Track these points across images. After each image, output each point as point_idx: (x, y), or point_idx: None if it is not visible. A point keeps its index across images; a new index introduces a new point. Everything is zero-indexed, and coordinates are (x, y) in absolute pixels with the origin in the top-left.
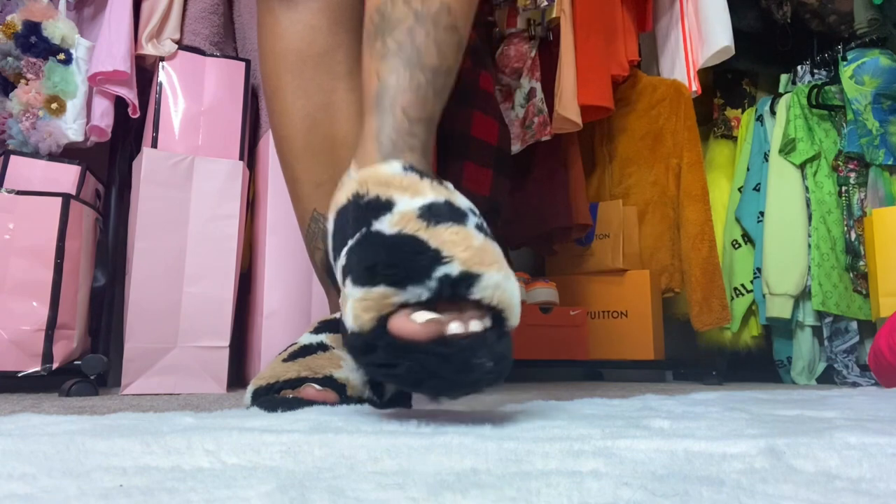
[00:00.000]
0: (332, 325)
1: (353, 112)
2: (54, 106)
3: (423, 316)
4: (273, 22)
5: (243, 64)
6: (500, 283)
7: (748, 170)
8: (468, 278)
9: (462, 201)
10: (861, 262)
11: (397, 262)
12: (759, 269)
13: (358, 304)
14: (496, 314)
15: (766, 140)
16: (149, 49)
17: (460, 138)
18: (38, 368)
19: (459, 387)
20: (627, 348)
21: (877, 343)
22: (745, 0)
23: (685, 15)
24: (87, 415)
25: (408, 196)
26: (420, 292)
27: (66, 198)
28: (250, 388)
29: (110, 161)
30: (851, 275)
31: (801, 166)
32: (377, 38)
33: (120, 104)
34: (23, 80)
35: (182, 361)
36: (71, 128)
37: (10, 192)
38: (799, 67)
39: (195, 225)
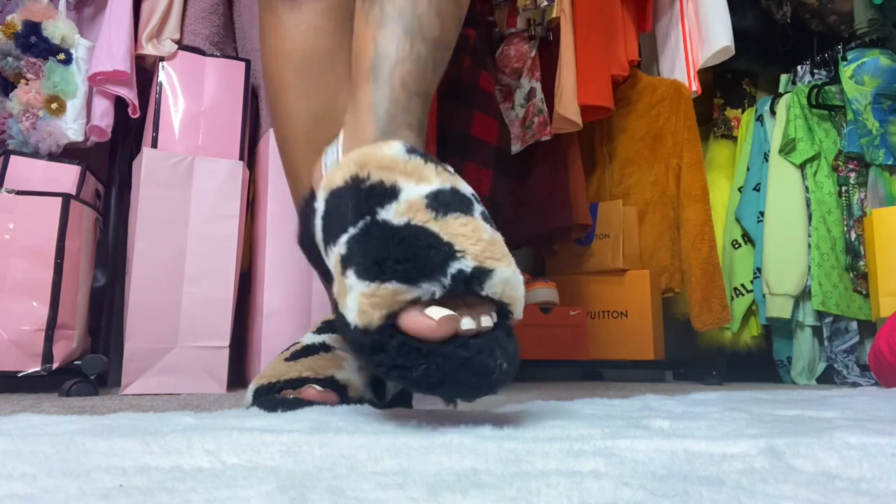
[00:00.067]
0: (335, 326)
1: None
2: (54, 106)
3: (437, 312)
4: (276, 22)
5: (243, 64)
6: (510, 279)
7: (748, 170)
8: (481, 274)
9: (465, 187)
10: (861, 262)
11: (409, 256)
12: (759, 269)
13: (365, 300)
14: (501, 307)
15: (766, 140)
16: (149, 49)
17: (460, 138)
18: (38, 368)
19: (478, 389)
20: (627, 348)
21: (877, 343)
22: (745, 0)
23: (685, 15)
24: (87, 415)
25: (413, 182)
26: (434, 289)
27: (66, 198)
28: (252, 387)
29: (110, 161)
30: (851, 275)
31: (801, 166)
32: (375, 2)
33: (120, 104)
34: (23, 80)
35: (182, 361)
36: (71, 128)
37: (10, 192)
38: (799, 67)
39: (195, 225)
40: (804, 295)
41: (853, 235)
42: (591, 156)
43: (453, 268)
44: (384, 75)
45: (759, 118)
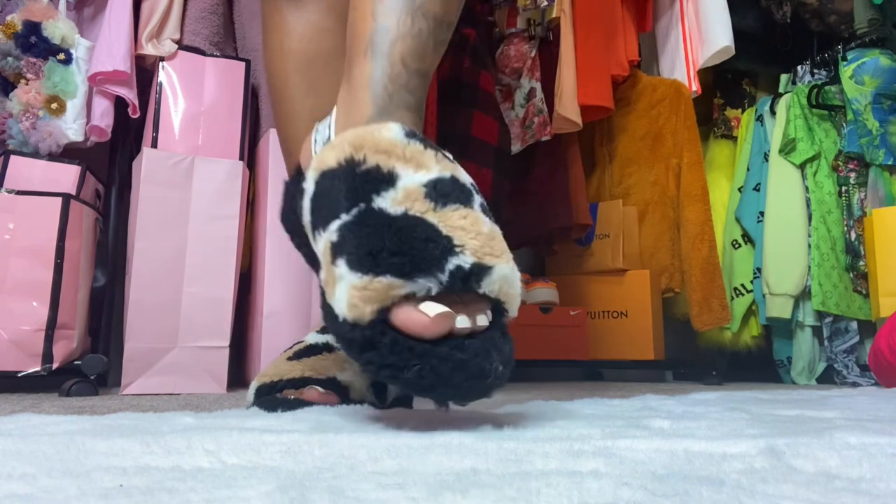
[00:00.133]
0: None
1: None
2: (54, 106)
3: (433, 308)
4: (280, 21)
5: (243, 64)
6: (508, 276)
7: (748, 170)
8: (480, 271)
9: (465, 176)
10: (861, 262)
11: (406, 249)
12: (759, 269)
13: (356, 293)
14: (496, 305)
15: (766, 140)
16: (149, 49)
17: (460, 138)
18: (38, 368)
19: (472, 393)
20: (627, 348)
21: (877, 343)
22: (745, 0)
23: (685, 15)
24: (87, 415)
25: (411, 169)
26: (430, 285)
27: (66, 198)
28: (253, 386)
29: (110, 161)
30: (851, 275)
31: (801, 166)
32: None
33: (120, 104)
34: (23, 80)
35: (182, 361)
36: (71, 128)
37: (10, 192)
38: (799, 67)
39: (195, 225)
40: (804, 295)
41: (853, 235)
42: (591, 156)
43: (451, 263)
44: (383, 50)
45: (759, 118)
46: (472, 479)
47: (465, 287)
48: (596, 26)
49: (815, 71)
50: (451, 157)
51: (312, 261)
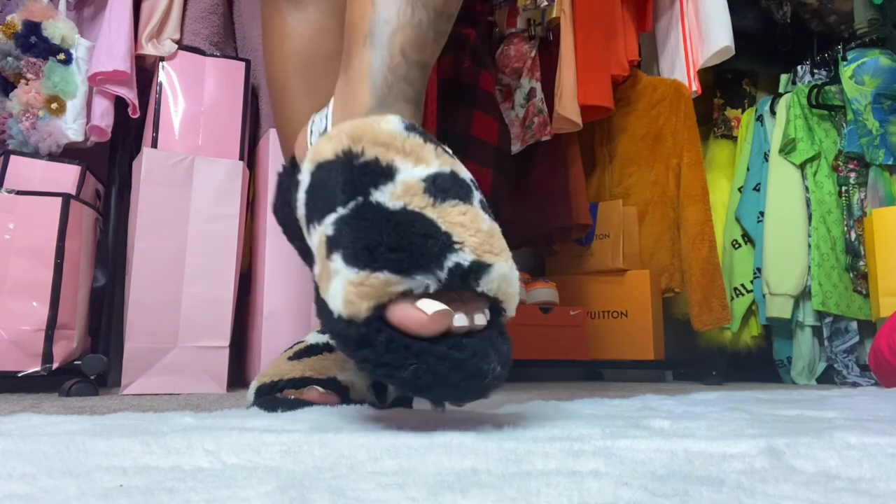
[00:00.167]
0: None
1: None
2: (54, 106)
3: (430, 306)
4: (280, 23)
5: (243, 64)
6: (507, 275)
7: (748, 170)
8: (479, 269)
9: (464, 172)
10: (861, 262)
11: (404, 245)
12: (759, 269)
13: (353, 289)
14: (494, 304)
15: (766, 140)
16: (149, 49)
17: (460, 138)
18: (38, 368)
19: (469, 393)
20: (627, 348)
21: (877, 343)
22: (745, 0)
23: (685, 15)
24: (87, 415)
25: (411, 163)
26: (428, 282)
27: (66, 198)
28: (254, 385)
29: (110, 161)
30: (851, 275)
31: (801, 166)
32: None
33: (120, 104)
34: (23, 80)
35: (182, 361)
36: (71, 128)
37: (10, 192)
38: (799, 67)
39: (195, 225)
40: (804, 295)
41: (853, 235)
42: (591, 156)
43: (450, 260)
44: (383, 40)
45: (759, 118)
46: (472, 479)
47: (463, 285)
48: (596, 26)
49: (815, 71)
50: (450, 151)
51: (305, 254)
